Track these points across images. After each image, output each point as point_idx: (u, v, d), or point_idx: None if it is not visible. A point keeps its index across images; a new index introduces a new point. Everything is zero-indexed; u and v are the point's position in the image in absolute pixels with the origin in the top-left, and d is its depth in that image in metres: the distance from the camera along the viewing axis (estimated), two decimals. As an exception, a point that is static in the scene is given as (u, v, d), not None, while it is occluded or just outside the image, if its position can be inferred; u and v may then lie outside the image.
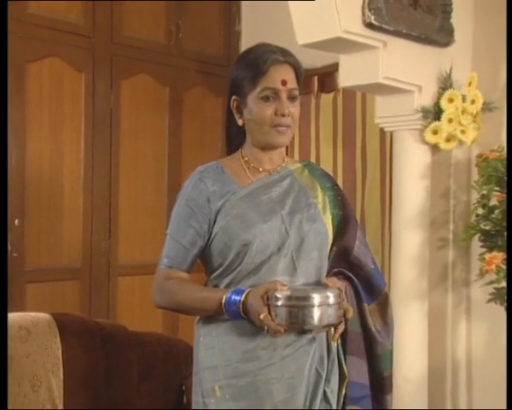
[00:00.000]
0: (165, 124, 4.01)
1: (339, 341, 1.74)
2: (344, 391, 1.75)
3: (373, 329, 1.77)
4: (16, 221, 3.42)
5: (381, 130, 3.10)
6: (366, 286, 1.78)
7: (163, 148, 4.01)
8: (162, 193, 4.00)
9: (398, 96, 2.70)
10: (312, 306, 1.56)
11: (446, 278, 2.85)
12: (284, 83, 1.69)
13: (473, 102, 2.62)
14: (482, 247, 2.48)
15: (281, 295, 1.56)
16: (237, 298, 1.60)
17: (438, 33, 2.65)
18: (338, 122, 3.80)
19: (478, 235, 2.51)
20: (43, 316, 2.44)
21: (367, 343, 1.77)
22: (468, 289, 2.83)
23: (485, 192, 2.46)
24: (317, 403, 1.70)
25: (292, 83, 1.71)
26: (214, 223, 1.71)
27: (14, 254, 3.41)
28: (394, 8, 2.50)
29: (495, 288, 2.39)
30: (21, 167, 3.46)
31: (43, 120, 3.55)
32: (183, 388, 2.57)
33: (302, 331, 1.67)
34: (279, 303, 1.56)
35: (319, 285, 1.67)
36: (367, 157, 3.68)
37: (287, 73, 1.71)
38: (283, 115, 1.69)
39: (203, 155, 4.18)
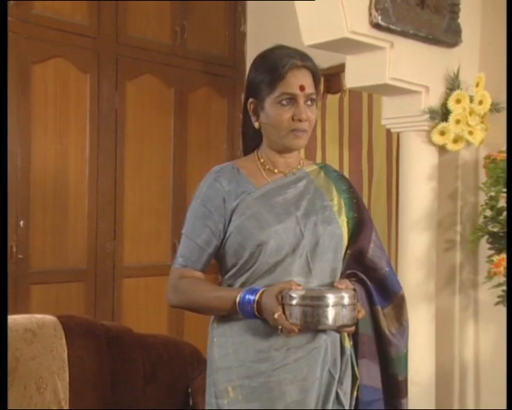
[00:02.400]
0: (171, 125, 4.01)
1: (351, 343, 1.74)
2: (355, 393, 1.74)
3: (387, 332, 1.76)
4: (21, 222, 3.42)
5: (388, 131, 3.09)
6: (380, 289, 1.77)
7: (168, 149, 4.00)
8: (167, 194, 3.99)
9: (405, 97, 2.68)
10: (327, 306, 1.56)
11: (454, 281, 2.83)
12: (302, 88, 1.69)
13: (480, 102, 2.61)
14: (490, 249, 2.47)
15: (295, 294, 1.56)
16: (251, 297, 1.60)
17: (445, 34, 2.64)
18: (344, 123, 3.79)
19: (486, 237, 2.50)
20: (49, 318, 2.44)
21: (380, 347, 1.76)
22: (476, 291, 2.81)
23: (493, 194, 2.44)
24: (330, 405, 1.70)
25: (310, 88, 1.71)
26: (229, 222, 1.71)
27: (20, 256, 3.41)
28: (401, 9, 2.49)
29: (503, 290, 2.37)
30: (27, 168, 3.46)
31: (48, 120, 3.55)
32: (189, 390, 2.57)
33: (316, 332, 1.67)
34: (294, 302, 1.56)
35: (333, 287, 1.67)
36: (373, 158, 3.67)
37: (305, 78, 1.70)
38: (300, 120, 1.69)
39: (208, 156, 4.18)
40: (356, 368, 1.74)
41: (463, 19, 2.68)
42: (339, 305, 1.57)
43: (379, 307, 1.75)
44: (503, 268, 2.30)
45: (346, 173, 3.79)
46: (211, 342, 1.76)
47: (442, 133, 2.62)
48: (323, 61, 3.74)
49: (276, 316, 1.56)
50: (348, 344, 1.74)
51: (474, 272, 2.82)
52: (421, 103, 2.65)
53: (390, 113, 2.78)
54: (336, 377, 1.71)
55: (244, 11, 4.34)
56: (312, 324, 1.57)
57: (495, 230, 2.47)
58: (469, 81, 2.66)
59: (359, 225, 1.78)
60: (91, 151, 3.68)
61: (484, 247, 2.53)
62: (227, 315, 1.69)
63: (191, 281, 1.73)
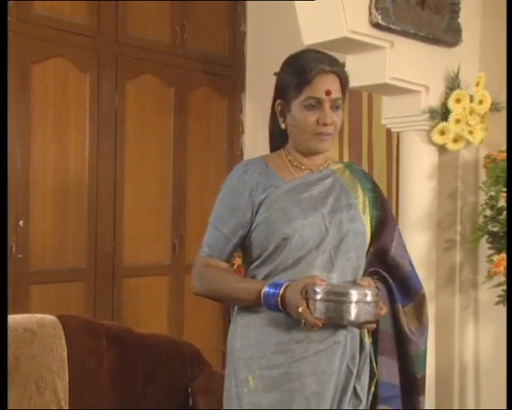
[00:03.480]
0: (171, 124, 4.00)
1: (370, 339, 1.77)
2: (373, 389, 1.78)
3: (407, 330, 1.78)
4: (21, 222, 3.42)
5: (388, 130, 3.09)
6: (402, 287, 1.80)
7: (168, 148, 4.00)
8: (167, 194, 3.99)
9: (405, 97, 2.68)
10: (350, 302, 1.59)
11: (454, 280, 2.83)
12: (328, 93, 1.72)
13: (480, 102, 2.61)
14: (490, 248, 2.47)
15: (320, 289, 1.60)
16: (276, 291, 1.64)
17: (445, 33, 2.64)
18: (344, 123, 3.78)
19: (486, 236, 2.50)
20: (49, 318, 2.44)
21: (399, 344, 1.79)
22: (476, 291, 2.81)
23: (493, 193, 2.44)
24: (347, 399, 1.73)
25: (336, 93, 1.74)
26: (256, 214, 1.75)
27: (19, 256, 3.41)
28: (401, 8, 2.49)
29: (503, 290, 2.37)
30: (26, 168, 3.46)
31: (47, 120, 3.55)
32: (189, 390, 2.57)
33: (336, 327, 1.70)
34: (318, 297, 1.59)
35: (356, 284, 1.70)
36: (373, 158, 3.66)
37: (332, 83, 1.73)
38: (325, 124, 1.72)
39: (208, 156, 4.18)
40: (375, 364, 1.77)
41: (463, 18, 2.68)
42: (362, 302, 1.60)
43: (399, 305, 1.77)
44: (503, 268, 2.30)
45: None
46: (233, 333, 1.80)
47: (442, 133, 2.62)
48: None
49: (300, 310, 1.59)
50: (368, 340, 1.77)
51: (473, 272, 2.81)
52: (421, 103, 2.65)
53: (390, 112, 2.78)
54: (354, 371, 1.74)
55: (244, 11, 4.34)
56: (335, 319, 1.61)
57: (495, 229, 2.47)
58: (469, 81, 2.66)
59: (382, 224, 1.81)
60: (91, 151, 3.67)
61: (484, 246, 2.53)
62: (250, 307, 1.73)
63: (216, 271, 1.77)
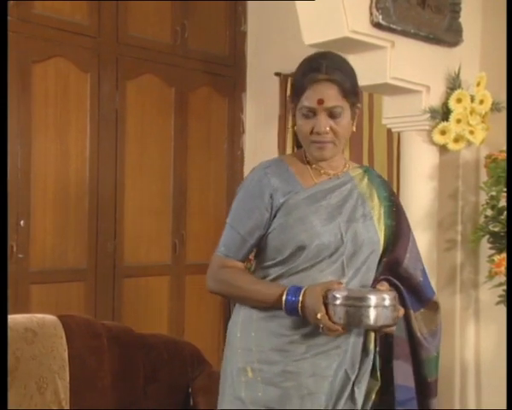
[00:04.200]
0: (171, 124, 4.00)
1: (377, 347, 1.78)
2: (373, 396, 1.79)
3: (418, 334, 1.79)
4: (22, 222, 3.42)
5: (389, 130, 3.09)
6: (413, 295, 1.80)
7: (168, 148, 4.00)
8: (167, 194, 3.99)
9: (405, 97, 2.68)
10: (369, 306, 1.61)
11: (454, 280, 2.83)
12: (320, 102, 1.71)
13: (481, 102, 2.60)
14: (491, 248, 2.46)
15: (339, 294, 1.62)
16: (296, 299, 1.66)
17: (446, 33, 2.63)
18: (344, 123, 3.78)
19: (487, 236, 2.49)
20: (49, 318, 2.44)
21: (412, 348, 1.80)
22: (477, 291, 2.81)
23: (493, 193, 2.44)
24: (343, 402, 1.74)
25: (331, 101, 1.72)
26: (274, 218, 1.75)
27: (20, 256, 3.41)
28: (402, 8, 2.48)
29: (504, 290, 2.37)
30: (27, 168, 3.46)
31: (48, 120, 3.55)
32: (190, 390, 2.57)
33: (343, 333, 1.71)
34: (337, 303, 1.61)
35: (374, 288, 1.72)
36: (374, 158, 3.66)
37: (325, 92, 1.72)
38: (319, 133, 1.72)
39: (209, 156, 4.18)
40: (378, 371, 1.78)
41: (464, 18, 2.68)
42: (380, 306, 1.62)
43: (411, 311, 1.78)
44: (503, 268, 2.30)
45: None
46: (235, 323, 1.81)
47: (443, 133, 2.62)
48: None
49: (319, 316, 1.62)
50: (372, 347, 1.77)
51: (474, 272, 2.81)
52: (422, 103, 2.65)
53: (391, 112, 2.78)
54: (353, 377, 1.75)
55: (244, 11, 4.34)
56: (354, 323, 1.64)
57: (496, 229, 2.47)
58: (470, 80, 2.66)
59: (397, 234, 1.81)
60: (92, 151, 3.68)
61: (485, 246, 2.53)
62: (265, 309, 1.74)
63: (232, 271, 1.79)
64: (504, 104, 2.63)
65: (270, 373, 1.73)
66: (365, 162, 3.70)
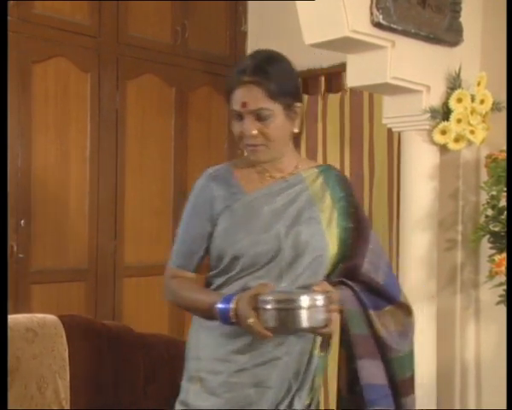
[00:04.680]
0: (171, 124, 4.00)
1: (323, 352, 1.74)
2: (310, 403, 1.75)
3: (382, 333, 1.74)
4: (22, 222, 3.41)
5: (389, 130, 3.08)
6: (376, 295, 1.75)
7: (169, 148, 4.00)
8: (168, 193, 3.99)
9: (406, 96, 2.68)
10: (300, 308, 1.56)
11: (455, 280, 2.83)
12: (244, 105, 1.68)
13: (482, 102, 2.60)
14: (491, 248, 2.46)
15: (268, 297, 1.58)
16: (228, 306, 1.63)
17: (446, 33, 2.63)
18: (345, 122, 3.78)
19: (487, 236, 2.49)
20: (50, 318, 2.44)
21: (378, 347, 1.76)
22: (477, 291, 2.80)
23: (494, 193, 2.44)
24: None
25: (256, 103, 1.67)
26: (215, 226, 1.73)
27: (20, 255, 3.41)
28: (402, 8, 2.48)
29: (504, 290, 2.37)
30: (27, 168, 3.46)
31: (48, 120, 3.54)
32: (190, 390, 2.57)
33: (279, 343, 1.68)
34: (267, 306, 1.57)
35: (307, 289, 1.66)
36: (374, 158, 3.66)
37: (249, 94, 1.68)
38: (246, 137, 1.69)
39: (209, 156, 4.18)
40: (318, 379, 1.75)
41: (465, 18, 2.68)
42: (312, 307, 1.57)
43: (371, 311, 1.73)
44: (504, 268, 2.30)
45: (346, 173, 3.78)
46: (191, 330, 1.82)
47: (443, 132, 2.62)
48: (324, 60, 3.77)
49: (249, 322, 1.58)
50: (318, 353, 1.74)
51: (475, 272, 2.81)
52: (423, 102, 2.64)
53: (391, 112, 2.78)
54: (295, 387, 1.72)
55: (245, 11, 4.34)
56: (286, 326, 1.58)
57: (496, 229, 2.47)
58: (471, 80, 2.66)
59: (355, 238, 1.75)
60: (92, 151, 3.67)
61: (485, 246, 2.53)
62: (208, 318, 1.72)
63: (179, 281, 1.78)
64: (505, 104, 2.63)
65: (214, 383, 1.71)
66: (366, 162, 3.70)
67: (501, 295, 2.39)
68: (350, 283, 1.73)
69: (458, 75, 2.65)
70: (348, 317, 1.72)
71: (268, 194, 1.74)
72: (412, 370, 1.81)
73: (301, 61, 3.92)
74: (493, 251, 2.44)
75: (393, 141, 3.50)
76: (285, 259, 1.69)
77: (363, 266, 1.74)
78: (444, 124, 2.61)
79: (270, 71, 1.70)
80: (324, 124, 3.87)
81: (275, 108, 1.68)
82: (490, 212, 2.48)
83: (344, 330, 1.74)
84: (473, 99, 2.61)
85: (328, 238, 1.72)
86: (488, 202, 2.48)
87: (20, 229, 3.40)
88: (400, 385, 1.78)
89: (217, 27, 4.22)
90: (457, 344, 2.83)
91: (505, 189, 2.41)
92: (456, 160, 2.80)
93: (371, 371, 1.74)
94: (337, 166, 3.81)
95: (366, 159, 3.68)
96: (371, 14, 2.41)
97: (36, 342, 2.33)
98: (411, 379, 1.81)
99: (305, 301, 1.56)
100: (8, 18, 3.05)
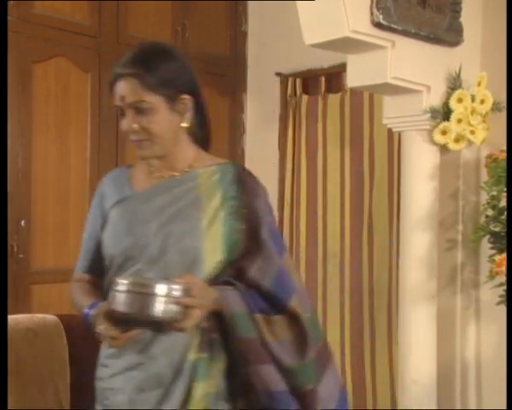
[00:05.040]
0: (172, 124, 4.00)
1: (203, 355, 1.60)
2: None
3: (267, 340, 1.61)
4: (22, 222, 3.42)
5: (389, 130, 3.08)
6: (263, 302, 1.63)
7: (169, 148, 3.99)
8: (168, 194, 3.99)
9: (406, 97, 2.68)
10: (154, 295, 1.45)
11: (455, 280, 2.83)
12: (122, 99, 1.62)
13: (482, 102, 2.60)
14: (492, 248, 2.46)
15: (123, 281, 1.48)
16: (89, 313, 1.60)
17: (447, 33, 2.63)
18: (345, 123, 3.78)
19: (487, 236, 2.49)
20: (50, 318, 2.44)
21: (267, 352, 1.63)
22: (478, 291, 2.80)
23: (494, 193, 2.44)
24: None
25: (133, 96, 1.60)
26: (104, 228, 1.71)
27: (21, 256, 3.41)
28: (403, 8, 2.48)
29: (505, 290, 2.37)
30: (27, 168, 3.46)
31: (49, 120, 3.55)
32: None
33: (148, 349, 1.60)
34: (120, 288, 1.47)
35: (167, 279, 1.54)
36: (374, 158, 3.66)
37: (125, 87, 1.61)
38: (130, 132, 1.64)
39: (209, 156, 4.18)
40: (201, 385, 1.59)
41: (465, 18, 2.68)
42: (168, 296, 1.45)
43: (257, 315, 1.61)
44: (504, 268, 2.30)
45: (346, 173, 3.79)
46: None
47: (443, 132, 2.62)
48: (324, 60, 3.77)
49: (97, 329, 1.53)
50: (196, 356, 1.60)
51: (475, 272, 2.81)
52: (423, 103, 2.64)
53: (391, 112, 2.77)
54: (160, 393, 1.60)
55: (245, 11, 4.34)
56: (137, 313, 1.45)
57: (496, 229, 2.46)
58: (471, 80, 2.65)
59: (245, 239, 1.64)
60: (92, 151, 3.68)
61: (485, 246, 2.53)
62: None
63: (74, 286, 1.80)
64: (505, 104, 2.63)
65: (97, 390, 1.70)
66: (366, 162, 3.69)
67: (501, 296, 2.39)
68: (237, 283, 1.62)
69: (458, 75, 2.65)
70: (234, 319, 1.60)
71: (151, 193, 1.68)
72: (312, 382, 1.67)
73: (301, 62, 3.98)
74: (493, 251, 2.44)
75: (393, 141, 3.50)
76: (153, 258, 1.61)
77: (251, 270, 1.63)
78: (444, 124, 2.61)
79: (148, 62, 1.61)
80: (324, 124, 3.87)
81: (155, 101, 1.61)
82: (490, 212, 2.47)
83: (228, 332, 1.61)
84: (473, 99, 2.61)
85: (205, 238, 1.61)
86: (488, 202, 2.47)
87: (20, 229, 3.40)
88: (301, 397, 1.66)
89: (217, 27, 4.22)
90: (458, 344, 2.83)
91: (505, 189, 2.40)
92: (457, 160, 2.80)
93: (264, 378, 1.62)
94: (337, 166, 3.82)
95: (366, 159, 3.68)
96: (371, 14, 2.41)
97: (36, 343, 2.33)
98: (312, 392, 1.67)
99: (161, 289, 1.45)
100: (8, 18, 3.05)
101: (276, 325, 1.63)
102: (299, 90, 4.03)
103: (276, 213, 4.15)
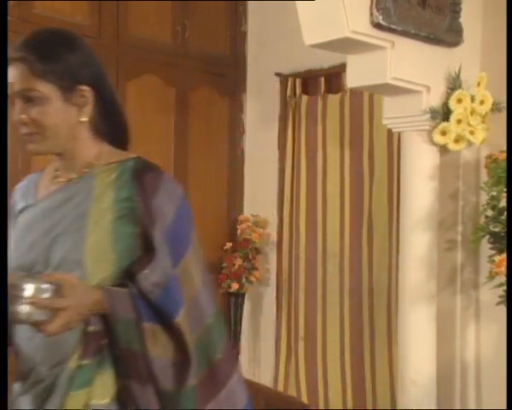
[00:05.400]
0: (172, 124, 4.00)
1: (84, 362, 1.42)
2: None
3: (150, 356, 1.43)
4: (22, 222, 3.41)
5: (389, 131, 3.08)
6: (152, 312, 1.45)
7: (169, 148, 4.00)
8: (168, 194, 3.99)
9: (406, 97, 2.68)
10: (20, 297, 1.34)
11: (455, 280, 2.83)
12: (11, 86, 1.46)
13: (482, 102, 2.60)
14: (491, 249, 2.46)
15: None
16: None
17: (446, 33, 2.63)
18: (345, 123, 3.78)
19: (487, 237, 2.49)
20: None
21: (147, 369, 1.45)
22: (477, 291, 2.80)
23: (494, 193, 2.44)
24: None
25: (20, 83, 1.45)
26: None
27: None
28: (402, 8, 2.48)
29: (504, 290, 2.37)
30: (27, 169, 3.45)
31: (49, 120, 3.55)
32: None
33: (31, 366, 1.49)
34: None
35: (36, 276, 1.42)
36: (374, 158, 3.66)
37: (16, 73, 1.45)
38: (19, 123, 1.49)
39: (209, 156, 4.18)
40: (78, 394, 1.42)
41: (465, 18, 2.68)
42: (35, 298, 1.35)
43: (144, 324, 1.44)
44: (504, 268, 2.30)
45: (346, 173, 3.79)
46: None
47: (443, 133, 2.62)
48: (324, 60, 3.76)
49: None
50: (77, 363, 1.42)
51: (475, 272, 2.81)
52: (423, 103, 2.64)
53: (391, 112, 2.78)
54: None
55: (245, 11, 4.34)
56: (11, 317, 1.36)
57: (496, 230, 2.46)
58: (471, 81, 2.66)
59: (139, 245, 1.48)
60: (92, 151, 3.67)
61: (485, 247, 2.53)
62: None
63: None
64: (505, 104, 2.63)
65: None
66: (366, 163, 3.69)
67: (501, 296, 2.39)
68: (132, 286, 1.45)
69: (458, 76, 2.65)
70: (117, 325, 1.43)
71: (44, 202, 1.55)
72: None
73: (301, 62, 3.98)
74: (493, 252, 2.44)
75: (393, 141, 3.50)
76: (38, 267, 1.47)
77: (140, 277, 1.45)
78: (444, 124, 2.61)
79: (43, 47, 1.46)
80: (324, 124, 3.87)
81: (46, 90, 1.45)
82: (490, 212, 2.47)
83: (111, 339, 1.45)
84: (473, 100, 2.61)
85: (89, 249, 1.45)
86: (488, 203, 2.47)
87: (20, 229, 3.40)
88: None
89: (217, 27, 4.22)
90: (457, 344, 2.83)
91: (505, 189, 2.40)
92: (457, 160, 2.80)
93: (139, 398, 1.43)
94: (337, 166, 3.82)
95: (366, 159, 3.68)
96: (371, 14, 2.41)
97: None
98: None
99: (28, 289, 1.34)
100: (8, 18, 3.04)
101: (159, 340, 1.44)
102: (298, 91, 4.03)
103: (275, 213, 4.15)
